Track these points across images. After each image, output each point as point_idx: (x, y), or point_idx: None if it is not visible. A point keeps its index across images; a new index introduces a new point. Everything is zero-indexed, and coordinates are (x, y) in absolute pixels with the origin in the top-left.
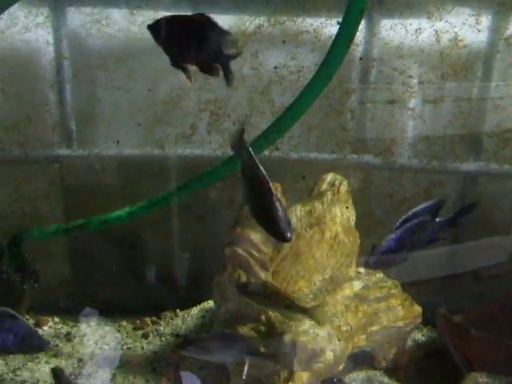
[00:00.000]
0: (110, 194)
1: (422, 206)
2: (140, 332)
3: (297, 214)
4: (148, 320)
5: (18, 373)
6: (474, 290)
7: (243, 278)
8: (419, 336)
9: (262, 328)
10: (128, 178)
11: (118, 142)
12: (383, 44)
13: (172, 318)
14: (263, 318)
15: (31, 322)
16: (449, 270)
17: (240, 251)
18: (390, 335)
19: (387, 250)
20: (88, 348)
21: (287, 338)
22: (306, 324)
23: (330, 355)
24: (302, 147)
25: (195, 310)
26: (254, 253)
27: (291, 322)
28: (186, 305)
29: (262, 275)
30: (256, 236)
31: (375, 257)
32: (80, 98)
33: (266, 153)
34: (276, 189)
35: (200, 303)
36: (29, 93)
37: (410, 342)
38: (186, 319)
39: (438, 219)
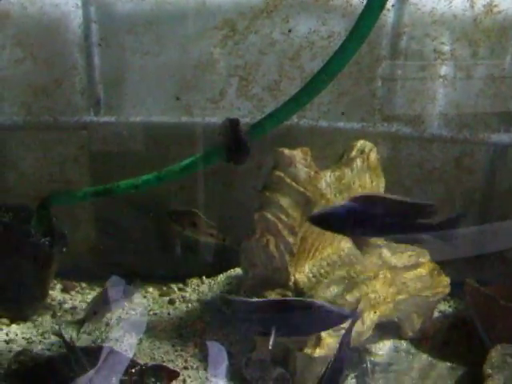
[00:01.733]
0: (138, 161)
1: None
2: (166, 298)
3: (326, 179)
4: (174, 287)
5: (46, 336)
6: (501, 271)
7: (271, 243)
8: (446, 307)
9: (290, 294)
10: (156, 145)
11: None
12: (415, 9)
13: (198, 285)
14: (291, 283)
15: (58, 286)
16: (476, 250)
17: (269, 215)
18: (418, 305)
19: (333, 212)
20: (115, 313)
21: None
22: (335, 290)
23: (358, 323)
24: (331, 114)
25: (222, 277)
26: (283, 217)
27: (320, 287)
28: (212, 272)
29: (291, 240)
30: (285, 200)
31: (317, 213)
32: (108, 62)
33: (295, 119)
34: (306, 153)
35: (226, 270)
36: (58, 57)
37: (436, 313)
38: (213, 286)
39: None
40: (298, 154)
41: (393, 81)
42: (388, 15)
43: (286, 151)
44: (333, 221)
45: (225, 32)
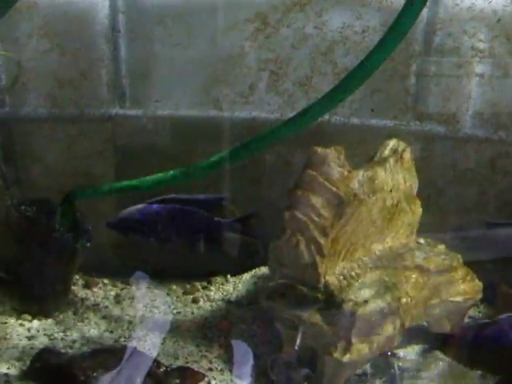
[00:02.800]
0: (164, 155)
1: (201, 197)
2: (190, 297)
3: (359, 179)
4: (198, 285)
5: (68, 333)
6: None
7: (302, 243)
8: (475, 312)
9: (320, 296)
10: (182, 139)
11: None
12: (453, 5)
13: (223, 284)
14: (321, 285)
15: (80, 282)
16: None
17: (300, 215)
18: (449, 310)
19: (127, 218)
20: (137, 311)
21: (347, 307)
22: (367, 293)
23: (389, 327)
24: (363, 112)
25: (246, 276)
26: (314, 217)
27: (351, 290)
28: (236, 271)
29: (322, 241)
30: (317, 200)
31: (115, 220)
32: (136, 54)
33: (326, 116)
34: (339, 152)
35: (251, 269)
36: (85, 48)
37: (465, 319)
38: (237, 285)
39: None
40: (331, 153)
41: (427, 78)
42: (424, 10)
43: (320, 150)
44: (129, 226)
45: (256, 25)
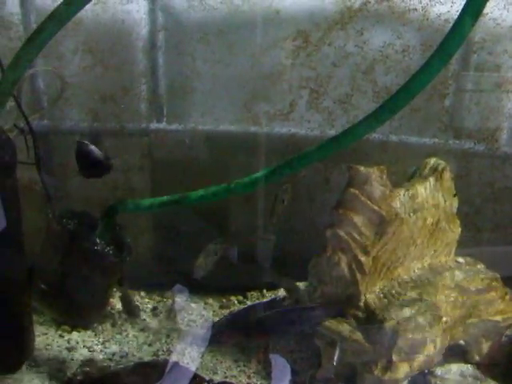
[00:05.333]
0: (203, 171)
1: None
2: (226, 311)
3: (401, 198)
4: (234, 299)
5: (107, 345)
6: None
7: (343, 261)
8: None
9: (361, 314)
10: (222, 155)
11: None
12: (495, 25)
13: (258, 298)
14: (361, 304)
15: (117, 294)
16: None
17: (341, 233)
18: (487, 329)
19: None
20: (175, 324)
21: (388, 325)
22: (408, 312)
23: (430, 346)
24: (402, 130)
25: (283, 292)
26: (356, 236)
27: (392, 308)
28: (272, 286)
29: (363, 259)
30: (359, 219)
31: None
32: (177, 70)
33: None
34: (382, 171)
35: None
36: (127, 64)
37: (503, 338)
38: None
39: None
40: (374, 172)
41: (467, 96)
42: None
43: (363, 169)
44: None
45: (298, 43)
